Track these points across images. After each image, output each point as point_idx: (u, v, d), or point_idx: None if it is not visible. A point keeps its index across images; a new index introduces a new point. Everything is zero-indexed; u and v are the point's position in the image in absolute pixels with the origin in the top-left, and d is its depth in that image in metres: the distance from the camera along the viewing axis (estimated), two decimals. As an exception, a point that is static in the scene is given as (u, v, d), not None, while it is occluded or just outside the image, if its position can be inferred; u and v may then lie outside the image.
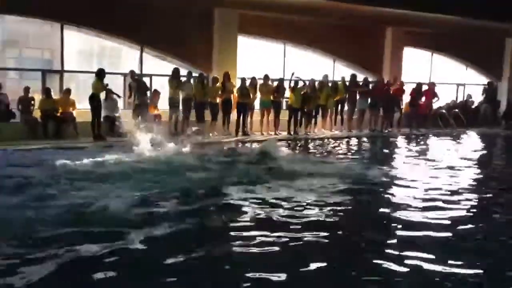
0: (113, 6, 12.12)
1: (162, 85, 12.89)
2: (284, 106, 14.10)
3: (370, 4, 14.73)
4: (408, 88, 15.88)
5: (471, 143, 13.93)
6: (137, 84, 12.15)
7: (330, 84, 14.72)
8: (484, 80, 18.32)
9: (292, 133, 13.73)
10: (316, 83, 14.36)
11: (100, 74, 11.53)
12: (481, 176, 8.46)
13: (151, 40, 12.85)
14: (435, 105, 16.49)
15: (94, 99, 11.39)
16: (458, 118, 16.89)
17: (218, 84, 12.93)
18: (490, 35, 17.73)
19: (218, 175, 7.19)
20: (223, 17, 13.56)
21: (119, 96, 12.30)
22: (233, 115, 13.17)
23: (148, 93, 12.57)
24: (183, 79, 12.69)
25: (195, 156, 8.58)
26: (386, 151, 11.85)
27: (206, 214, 5.28)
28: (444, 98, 16.98)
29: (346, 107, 14.98)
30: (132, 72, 12.26)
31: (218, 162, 8.39)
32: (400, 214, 5.46)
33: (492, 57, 18.33)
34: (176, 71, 12.57)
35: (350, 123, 15.13)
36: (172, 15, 12.85)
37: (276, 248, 4.24)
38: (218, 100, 12.95)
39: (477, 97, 17.95)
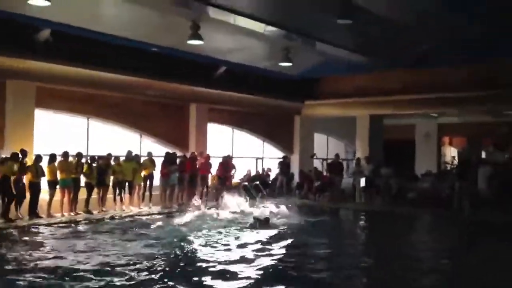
0: None
1: None
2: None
3: (174, 81, 15.28)
4: (213, 162, 16.53)
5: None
6: None
7: (137, 160, 14.50)
8: (279, 154, 20.08)
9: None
10: (121, 158, 14.07)
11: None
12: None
13: None
14: (235, 178, 17.48)
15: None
16: (258, 189, 18.05)
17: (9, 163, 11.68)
18: (282, 113, 19.77)
19: None
20: (18, 89, 12.49)
21: None
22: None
23: None
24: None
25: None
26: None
27: None
28: (244, 171, 18.13)
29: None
30: None
31: None
32: None
33: (285, 133, 20.35)
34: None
35: (162, 199, 15.00)
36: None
37: None
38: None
39: (274, 170, 19.51)
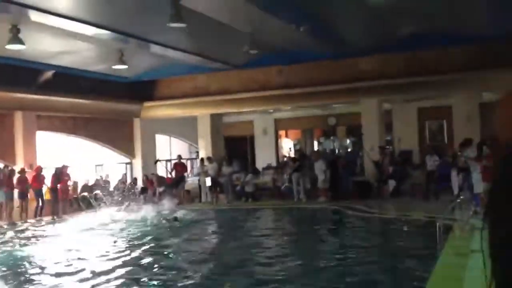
0: None
1: None
2: None
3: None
4: (47, 174, 15.28)
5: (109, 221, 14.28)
6: None
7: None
8: (123, 158, 19.32)
9: None
10: None
11: None
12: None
13: None
14: (72, 188, 16.42)
15: None
16: (98, 198, 17.19)
17: None
18: (120, 117, 19.01)
19: None
20: None
21: None
22: None
23: None
24: None
25: None
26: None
27: None
28: (83, 179, 17.13)
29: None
30: None
31: None
32: None
33: (125, 136, 19.60)
34: None
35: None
36: None
37: None
38: None
39: (117, 175, 18.74)
